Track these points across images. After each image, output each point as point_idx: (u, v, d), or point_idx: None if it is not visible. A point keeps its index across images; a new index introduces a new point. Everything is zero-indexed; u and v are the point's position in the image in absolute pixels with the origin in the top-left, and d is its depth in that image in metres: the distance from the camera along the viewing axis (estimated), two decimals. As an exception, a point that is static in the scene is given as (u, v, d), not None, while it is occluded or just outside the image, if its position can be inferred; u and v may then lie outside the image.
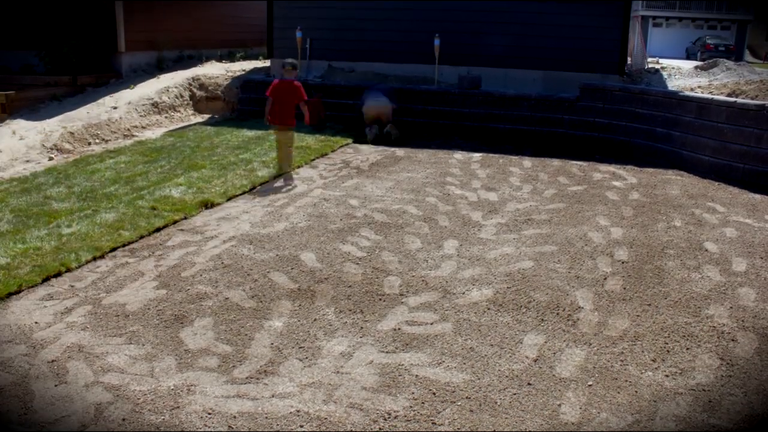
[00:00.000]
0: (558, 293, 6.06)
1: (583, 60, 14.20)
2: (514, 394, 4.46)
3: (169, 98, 14.58)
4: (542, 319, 5.55)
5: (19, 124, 12.08)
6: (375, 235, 7.53)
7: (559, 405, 4.35)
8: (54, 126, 11.97)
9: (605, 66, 14.14)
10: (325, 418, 4.16)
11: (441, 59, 14.58)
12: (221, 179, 9.50)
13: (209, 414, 4.17)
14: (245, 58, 19.43)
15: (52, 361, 4.74)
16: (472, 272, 6.51)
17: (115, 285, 6.08)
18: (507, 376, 4.67)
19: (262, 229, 7.56)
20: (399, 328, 5.35)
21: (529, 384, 4.58)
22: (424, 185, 9.64)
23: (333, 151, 11.64)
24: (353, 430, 4.07)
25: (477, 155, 11.84)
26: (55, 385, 4.44)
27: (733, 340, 5.27)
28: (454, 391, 4.47)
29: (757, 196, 9.48)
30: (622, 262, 6.83)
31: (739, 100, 10.74)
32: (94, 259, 6.59)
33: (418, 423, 4.14)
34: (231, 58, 18.82)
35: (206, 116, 14.86)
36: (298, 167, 10.38)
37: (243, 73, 16.53)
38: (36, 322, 5.31)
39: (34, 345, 4.96)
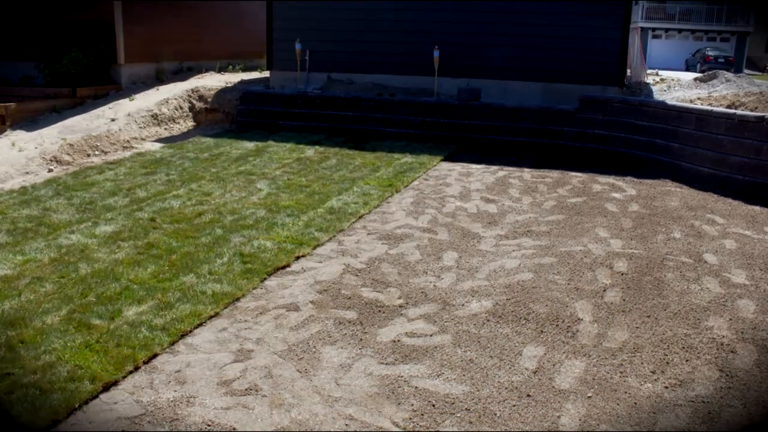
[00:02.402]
0: (557, 305, 6.06)
1: (582, 72, 14.23)
2: (514, 405, 4.45)
3: (168, 110, 14.60)
4: (541, 331, 5.54)
5: (19, 136, 12.10)
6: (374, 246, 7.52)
7: (559, 416, 4.34)
8: (53, 138, 11.98)
9: (605, 78, 14.18)
10: (325, 430, 4.15)
11: (440, 71, 14.63)
12: (221, 191, 9.50)
13: (209, 426, 4.16)
14: (245, 69, 19.48)
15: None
16: (471, 284, 6.51)
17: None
18: (506, 388, 4.66)
19: (261, 241, 7.57)
20: (398, 340, 5.34)
21: (528, 395, 4.57)
22: (423, 197, 9.63)
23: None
24: (352, 442, 4.06)
25: (476, 167, 11.85)
26: (54, 397, 4.43)
27: (732, 351, 5.26)
28: (453, 403, 4.46)
29: (757, 208, 9.48)
30: (622, 274, 6.82)
31: (739, 111, 10.75)
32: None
33: (417, 435, 4.14)
34: (230, 69, 18.86)
35: (206, 128, 14.88)
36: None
37: (243, 84, 16.55)
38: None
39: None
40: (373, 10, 15.41)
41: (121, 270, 6.51)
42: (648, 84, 17.12)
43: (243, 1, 19.78)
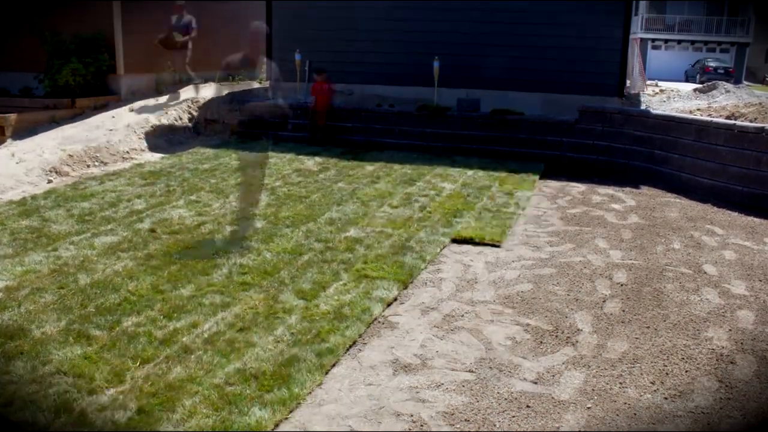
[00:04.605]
0: (557, 316, 6.05)
1: (582, 83, 14.27)
2: (513, 416, 4.44)
3: (167, 121, 14.62)
4: (541, 342, 5.54)
5: (18, 147, 12.11)
6: (374, 257, 7.52)
7: (558, 427, 4.33)
8: (53, 149, 11.98)
9: (604, 89, 14.21)
10: (323, 442, 4.15)
11: (440, 82, 14.65)
12: (220, 202, 9.51)
13: (206, 437, 4.16)
14: (244, 80, 19.47)
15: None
16: (471, 295, 6.50)
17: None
18: (506, 399, 4.65)
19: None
20: (398, 351, 5.33)
21: (528, 406, 4.56)
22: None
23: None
24: (351, 453, 4.05)
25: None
26: (52, 409, 4.41)
27: (732, 362, 5.25)
28: (453, 414, 4.45)
29: (756, 219, 9.48)
30: (621, 285, 6.82)
31: (738, 122, 10.78)
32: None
33: (416, 446, 4.13)
34: (230, 80, 18.87)
35: (205, 138, 14.89)
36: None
37: (242, 94, 16.57)
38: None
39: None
40: (372, 20, 15.46)
41: (120, 281, 6.50)
42: (651, 94, 17.17)
43: (243, 12, 19.80)
